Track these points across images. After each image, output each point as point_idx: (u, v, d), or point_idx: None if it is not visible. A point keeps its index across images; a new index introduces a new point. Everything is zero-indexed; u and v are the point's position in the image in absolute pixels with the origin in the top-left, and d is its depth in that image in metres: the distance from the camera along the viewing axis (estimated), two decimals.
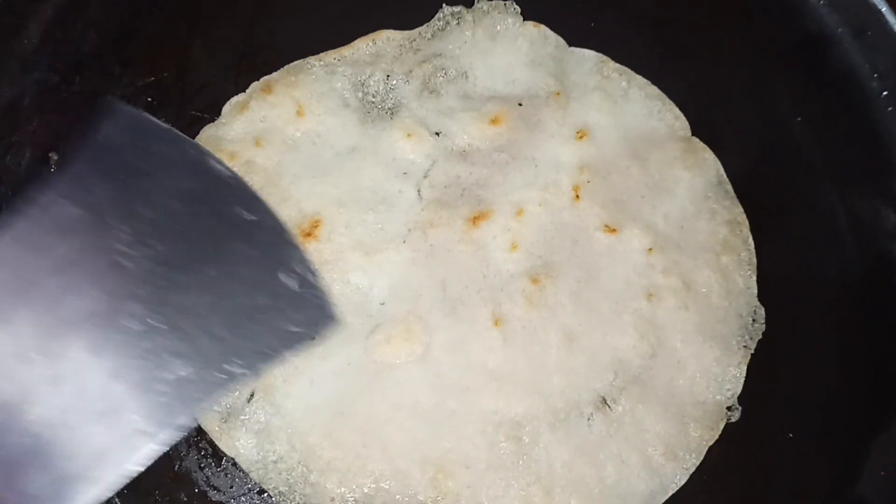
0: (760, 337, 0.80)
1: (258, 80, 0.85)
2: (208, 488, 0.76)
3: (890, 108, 0.76)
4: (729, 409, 0.78)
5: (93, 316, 0.59)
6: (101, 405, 0.58)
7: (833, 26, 0.79)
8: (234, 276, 0.63)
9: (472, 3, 0.88)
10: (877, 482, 0.74)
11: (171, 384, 0.59)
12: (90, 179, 0.62)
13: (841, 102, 0.80)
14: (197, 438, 0.76)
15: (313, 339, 0.64)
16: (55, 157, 0.79)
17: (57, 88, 0.80)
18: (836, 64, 0.79)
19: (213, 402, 0.63)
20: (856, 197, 0.80)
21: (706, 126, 0.86)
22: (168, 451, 0.72)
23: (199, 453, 0.76)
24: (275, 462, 0.74)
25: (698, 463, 0.76)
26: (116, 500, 0.73)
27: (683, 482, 0.76)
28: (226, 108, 0.83)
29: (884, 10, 0.75)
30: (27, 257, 0.59)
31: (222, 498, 0.76)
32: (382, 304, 0.76)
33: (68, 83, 0.81)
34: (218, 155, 0.79)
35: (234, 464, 0.76)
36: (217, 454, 0.76)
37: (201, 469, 0.76)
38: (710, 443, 0.77)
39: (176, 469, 0.76)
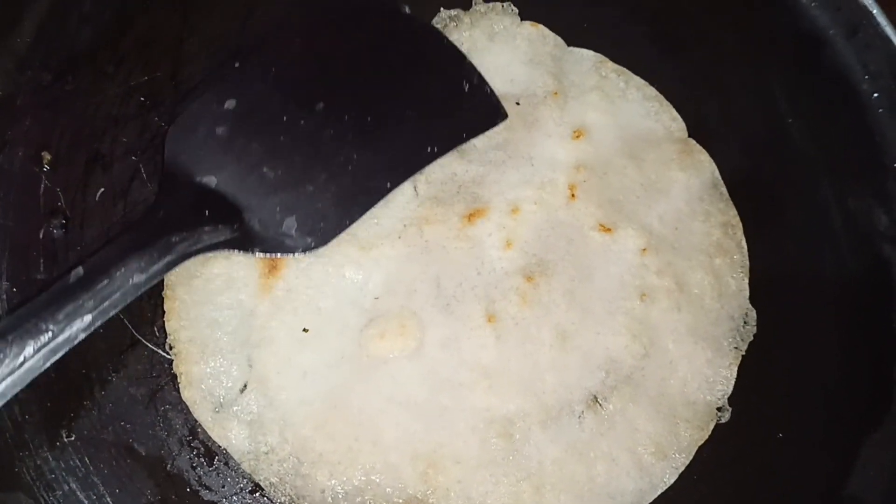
0: (751, 339, 0.82)
1: None
2: (200, 488, 0.77)
3: (881, 110, 0.78)
4: (719, 409, 0.80)
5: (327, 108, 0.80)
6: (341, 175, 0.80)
7: (825, 27, 0.81)
8: (431, 83, 0.84)
9: (470, 6, 0.90)
10: (867, 481, 0.76)
11: (382, 161, 0.80)
12: (313, 23, 0.87)
13: (835, 102, 0.82)
14: (189, 438, 0.78)
15: (490, 128, 0.84)
16: (48, 157, 0.81)
17: (50, 87, 0.81)
18: (830, 64, 0.81)
19: (413, 174, 0.82)
20: (849, 196, 0.82)
21: (702, 123, 0.88)
22: (160, 451, 0.76)
23: (192, 453, 0.78)
24: (266, 453, 0.76)
25: (688, 462, 0.78)
26: (109, 500, 0.75)
27: (673, 481, 0.78)
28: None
29: (874, 11, 0.77)
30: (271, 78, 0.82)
31: (214, 497, 0.77)
32: (377, 298, 0.78)
33: (62, 82, 0.82)
34: None
35: (227, 463, 0.78)
36: (209, 453, 0.78)
37: (193, 469, 0.78)
38: (700, 443, 0.79)
39: (168, 469, 0.77)
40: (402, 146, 0.81)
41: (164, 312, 0.79)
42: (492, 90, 0.84)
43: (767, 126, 0.86)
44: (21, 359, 0.64)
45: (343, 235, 0.79)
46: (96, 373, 0.78)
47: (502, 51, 0.87)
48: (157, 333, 0.80)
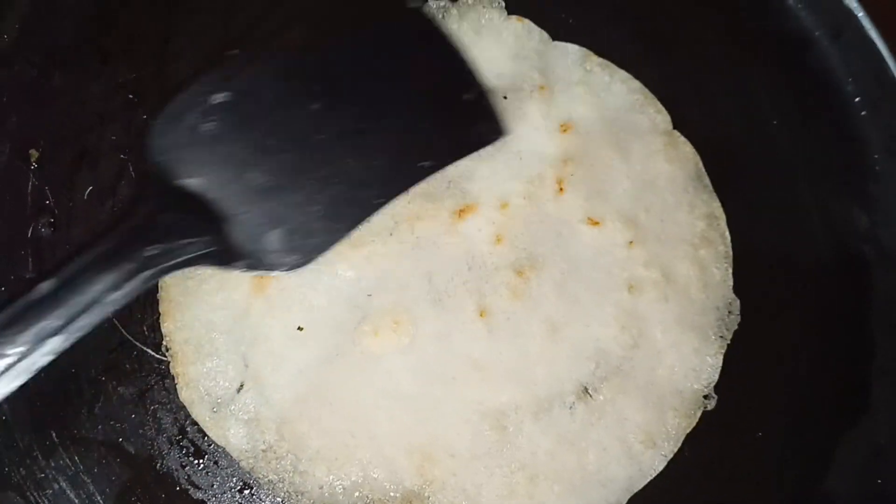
0: (736, 328, 0.87)
1: None
2: (189, 486, 0.81)
3: (864, 112, 0.82)
4: (706, 397, 0.85)
5: (315, 109, 0.78)
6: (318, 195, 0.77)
7: (811, 28, 0.84)
8: (428, 92, 0.82)
9: None
10: (843, 479, 0.81)
11: (375, 172, 0.78)
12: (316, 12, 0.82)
13: (817, 104, 0.86)
14: (178, 437, 0.81)
15: (488, 143, 0.84)
16: (36, 154, 0.83)
17: (36, 83, 0.83)
18: (814, 66, 0.85)
19: (407, 189, 0.81)
20: (830, 197, 0.87)
21: (685, 122, 0.91)
22: (149, 451, 0.80)
23: (181, 452, 0.81)
24: (264, 451, 0.80)
25: (676, 450, 0.84)
26: (98, 498, 0.79)
27: (662, 468, 0.83)
28: None
29: (860, 14, 0.81)
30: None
31: (203, 496, 0.81)
32: (370, 295, 0.82)
33: (47, 78, 0.84)
34: None
35: (216, 462, 0.81)
36: (199, 452, 0.81)
37: (182, 468, 0.81)
38: (688, 430, 0.84)
39: (157, 468, 0.81)
40: (396, 158, 0.79)
41: (154, 311, 0.82)
42: (492, 105, 0.83)
43: (750, 127, 0.90)
44: None
45: None
46: (85, 372, 0.81)
47: (489, 45, 0.90)
48: (147, 332, 0.82)
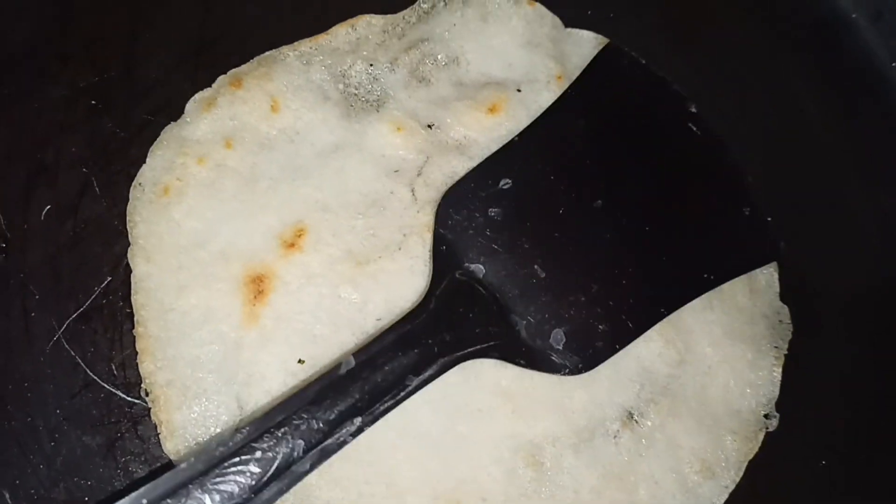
0: (790, 337, 0.80)
1: (220, 75, 0.82)
2: None
3: None
4: (766, 416, 0.78)
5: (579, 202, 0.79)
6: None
7: (847, 11, 0.82)
8: (711, 203, 0.82)
9: None
10: None
11: (659, 280, 0.78)
12: (599, 100, 0.83)
13: (859, 92, 0.83)
14: None
15: (760, 266, 0.82)
16: None
17: None
18: (852, 50, 0.82)
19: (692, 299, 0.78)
20: (882, 192, 0.83)
21: (718, 115, 0.86)
22: None
23: None
24: None
25: (738, 479, 0.76)
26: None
27: (723, 502, 0.75)
28: (189, 106, 0.80)
29: None
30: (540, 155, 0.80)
31: None
32: (379, 319, 0.74)
33: None
34: (183, 158, 0.77)
35: None
36: None
37: None
38: (750, 456, 0.77)
39: None
40: (678, 267, 0.79)
41: (124, 347, 0.75)
42: (768, 222, 0.82)
43: (788, 118, 0.87)
44: (291, 459, 0.64)
45: (335, 251, 0.75)
46: (44, 420, 0.73)
47: (497, 32, 0.85)
48: (116, 372, 0.75)
